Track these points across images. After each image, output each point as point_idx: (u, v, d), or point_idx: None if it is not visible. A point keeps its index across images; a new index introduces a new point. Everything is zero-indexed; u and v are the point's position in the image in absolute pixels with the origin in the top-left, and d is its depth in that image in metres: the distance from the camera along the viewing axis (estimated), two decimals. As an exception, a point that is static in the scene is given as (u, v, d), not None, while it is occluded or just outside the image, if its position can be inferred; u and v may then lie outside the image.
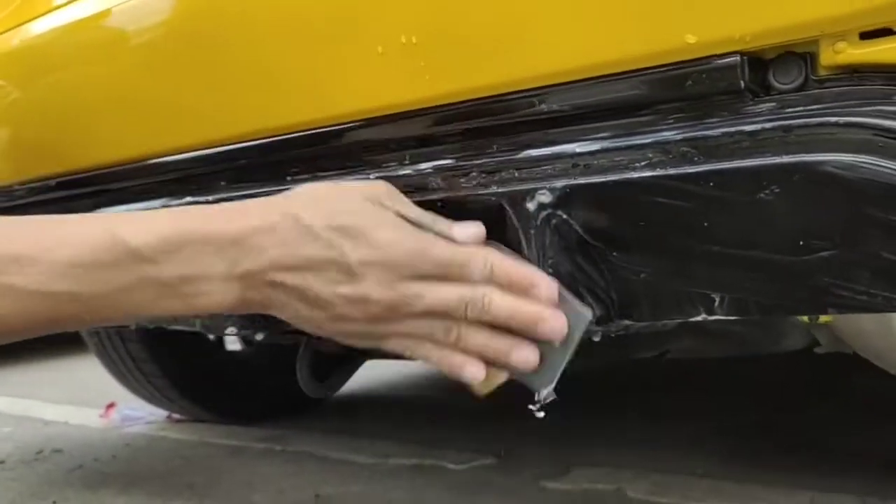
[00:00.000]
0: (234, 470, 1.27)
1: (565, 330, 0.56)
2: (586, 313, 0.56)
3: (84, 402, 1.94)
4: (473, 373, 0.58)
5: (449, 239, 0.56)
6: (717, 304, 0.53)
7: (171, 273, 0.56)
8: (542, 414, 0.59)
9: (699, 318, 0.54)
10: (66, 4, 0.83)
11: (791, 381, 1.68)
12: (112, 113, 0.80)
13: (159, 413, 1.66)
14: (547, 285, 0.55)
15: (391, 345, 0.59)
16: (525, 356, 0.57)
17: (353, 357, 1.08)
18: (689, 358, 1.03)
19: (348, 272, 0.55)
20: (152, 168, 0.78)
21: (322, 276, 0.56)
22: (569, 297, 0.56)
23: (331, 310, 0.56)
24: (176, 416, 1.65)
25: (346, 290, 0.55)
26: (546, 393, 0.59)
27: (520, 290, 0.55)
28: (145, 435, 1.58)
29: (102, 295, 0.56)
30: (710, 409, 1.48)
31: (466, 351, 0.58)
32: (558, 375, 0.58)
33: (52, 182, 0.86)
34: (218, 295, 0.57)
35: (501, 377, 0.60)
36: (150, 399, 1.57)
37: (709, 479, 1.05)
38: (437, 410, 1.66)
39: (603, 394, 1.73)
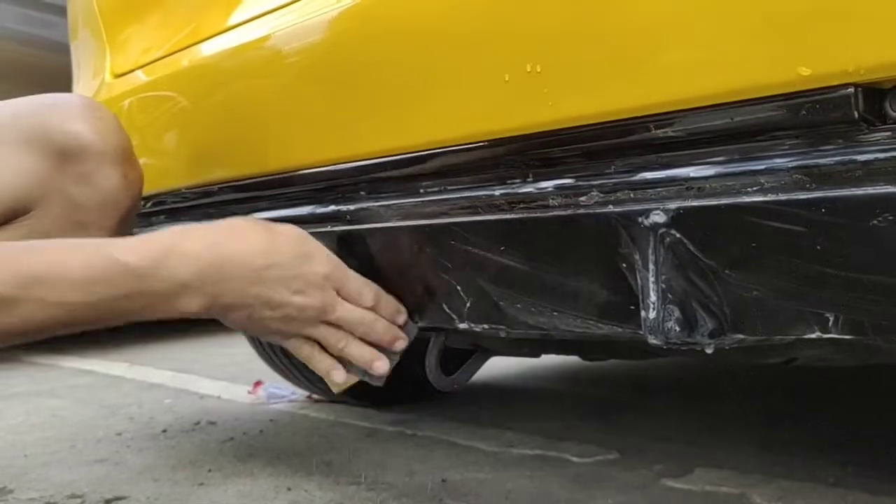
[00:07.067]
0: (369, 450, 1.36)
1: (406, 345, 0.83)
2: (414, 327, 0.84)
3: (234, 379, 2.09)
4: (338, 375, 0.83)
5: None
6: (831, 322, 0.54)
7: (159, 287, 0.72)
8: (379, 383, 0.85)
9: (813, 336, 0.55)
10: (229, 29, 0.92)
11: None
12: (268, 127, 0.88)
13: (301, 392, 1.77)
14: (404, 312, 0.82)
15: (291, 344, 0.81)
16: (382, 365, 0.82)
17: (481, 352, 1.13)
18: (817, 366, 1.01)
19: (313, 284, 0.77)
20: (301, 178, 0.86)
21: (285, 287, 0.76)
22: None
23: (281, 311, 0.76)
24: (315, 396, 1.75)
25: (299, 298, 0.76)
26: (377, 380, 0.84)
27: (389, 314, 0.81)
28: (288, 412, 1.69)
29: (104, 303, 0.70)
30: (841, 417, 1.43)
31: (344, 357, 0.81)
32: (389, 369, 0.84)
33: (215, 187, 0.95)
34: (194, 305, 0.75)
35: (354, 380, 0.85)
36: (293, 379, 1.67)
37: (840, 488, 1.03)
38: (562, 403, 1.69)
39: (725, 397, 1.71)
